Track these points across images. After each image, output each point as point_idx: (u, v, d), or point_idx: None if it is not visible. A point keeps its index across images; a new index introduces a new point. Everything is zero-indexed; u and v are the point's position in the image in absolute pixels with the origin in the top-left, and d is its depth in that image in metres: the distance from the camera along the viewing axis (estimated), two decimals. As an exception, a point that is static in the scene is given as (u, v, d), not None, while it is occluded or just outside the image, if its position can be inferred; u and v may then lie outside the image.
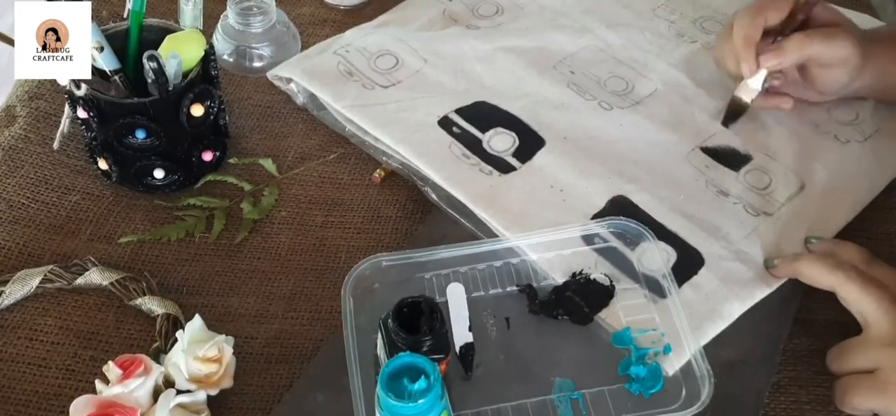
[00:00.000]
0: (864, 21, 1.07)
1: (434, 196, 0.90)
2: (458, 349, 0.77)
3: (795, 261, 0.80)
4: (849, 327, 0.76)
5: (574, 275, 0.82)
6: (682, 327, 0.76)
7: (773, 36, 0.94)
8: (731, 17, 0.96)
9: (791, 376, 0.78)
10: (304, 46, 1.10)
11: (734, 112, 0.96)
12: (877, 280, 0.75)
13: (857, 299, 0.75)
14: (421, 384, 0.63)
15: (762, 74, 0.93)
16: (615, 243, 0.84)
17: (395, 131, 0.95)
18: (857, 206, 0.90)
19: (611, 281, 0.81)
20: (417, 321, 0.72)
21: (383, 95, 1.00)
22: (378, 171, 0.95)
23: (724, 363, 0.76)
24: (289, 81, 1.03)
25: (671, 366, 0.76)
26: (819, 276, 0.78)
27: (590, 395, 0.74)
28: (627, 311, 0.80)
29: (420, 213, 0.92)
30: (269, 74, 1.05)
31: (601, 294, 0.81)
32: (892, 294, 0.74)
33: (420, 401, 0.62)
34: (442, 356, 0.71)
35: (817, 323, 0.82)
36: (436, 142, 0.94)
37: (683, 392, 0.74)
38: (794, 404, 0.77)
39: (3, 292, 0.81)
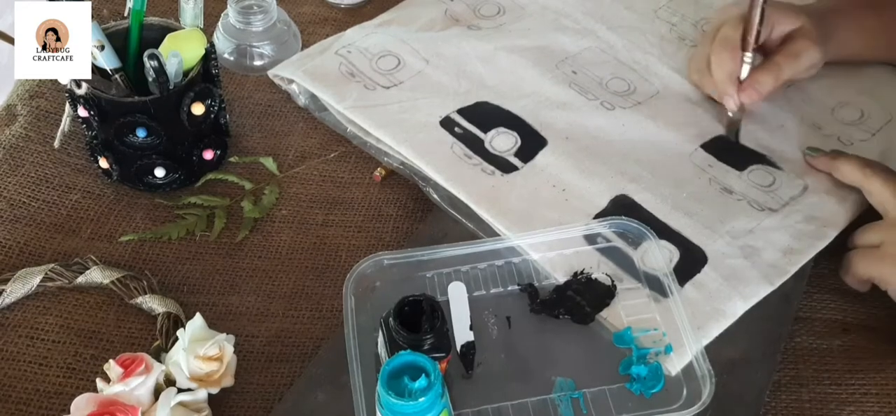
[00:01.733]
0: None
1: (436, 196, 0.90)
2: (458, 348, 0.77)
3: (833, 158, 0.90)
4: (849, 325, 0.76)
5: (575, 274, 0.82)
6: (684, 327, 0.76)
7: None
8: (702, 45, 1.00)
9: (792, 374, 0.79)
10: (305, 45, 1.10)
11: (735, 130, 0.97)
12: None
13: (880, 190, 0.84)
14: (421, 382, 0.63)
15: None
16: (617, 242, 0.85)
17: (397, 132, 0.95)
18: (862, 203, 0.90)
19: (612, 281, 0.82)
20: (418, 320, 0.72)
21: (385, 96, 1.01)
22: (379, 169, 0.95)
23: (725, 362, 0.77)
24: (291, 81, 1.03)
25: (672, 366, 0.76)
26: (851, 172, 0.88)
27: (590, 394, 0.74)
28: (629, 310, 0.80)
29: (421, 212, 0.92)
30: (270, 73, 1.05)
31: (602, 294, 0.81)
32: None
33: (420, 399, 0.63)
34: (443, 354, 0.71)
35: (818, 322, 0.83)
36: (438, 142, 0.95)
37: (684, 392, 0.74)
38: (794, 402, 0.77)
39: (4, 290, 0.82)
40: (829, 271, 0.85)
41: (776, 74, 0.94)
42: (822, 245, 0.86)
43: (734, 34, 0.94)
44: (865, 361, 0.79)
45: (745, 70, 0.94)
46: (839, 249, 0.85)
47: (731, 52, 0.94)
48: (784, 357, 0.80)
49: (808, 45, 0.94)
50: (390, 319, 0.71)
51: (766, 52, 0.97)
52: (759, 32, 0.93)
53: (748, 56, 0.94)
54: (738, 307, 0.81)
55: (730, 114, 0.96)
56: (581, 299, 0.81)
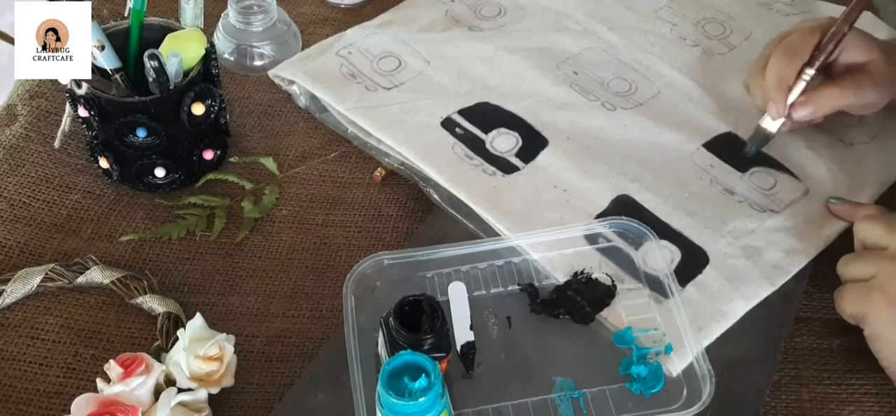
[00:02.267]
0: (864, 20, 1.07)
1: (436, 197, 0.91)
2: (459, 348, 0.77)
3: (855, 207, 0.88)
4: (849, 326, 0.77)
5: (576, 274, 0.83)
6: (684, 328, 0.77)
7: (802, 67, 0.91)
8: (766, 48, 0.95)
9: (792, 374, 0.79)
10: (305, 45, 1.11)
11: (759, 141, 0.94)
12: None
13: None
14: (422, 382, 0.63)
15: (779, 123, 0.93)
16: (618, 242, 0.85)
17: (398, 133, 0.96)
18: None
19: (612, 280, 0.82)
20: (418, 320, 0.72)
21: (386, 97, 1.01)
22: (379, 169, 0.95)
23: (725, 362, 0.77)
24: (291, 82, 1.04)
25: (673, 366, 0.76)
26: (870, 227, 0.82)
27: (591, 394, 0.74)
28: (629, 310, 0.80)
29: (421, 212, 0.92)
30: (271, 74, 1.06)
31: (603, 294, 0.81)
32: None
33: (421, 399, 0.63)
34: (443, 354, 0.72)
35: (818, 322, 0.83)
36: (439, 143, 0.95)
37: (685, 392, 0.74)
38: (795, 402, 0.77)
39: (4, 290, 0.82)
40: (830, 271, 0.84)
41: (837, 100, 0.90)
42: (823, 245, 0.86)
43: (801, 43, 0.91)
44: (865, 361, 0.78)
45: (799, 87, 0.90)
46: (840, 249, 0.85)
47: (790, 59, 0.91)
48: (784, 357, 0.80)
49: (874, 82, 0.90)
50: (390, 318, 0.71)
51: (826, 74, 0.93)
52: (831, 51, 0.90)
53: (809, 72, 0.90)
54: (739, 308, 0.81)
55: (766, 124, 0.93)
56: (581, 299, 0.81)
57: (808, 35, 0.91)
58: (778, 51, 0.92)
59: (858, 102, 0.91)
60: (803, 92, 0.91)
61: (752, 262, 0.84)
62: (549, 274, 0.83)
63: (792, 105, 0.90)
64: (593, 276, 0.82)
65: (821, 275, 0.85)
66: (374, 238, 0.90)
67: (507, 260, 0.84)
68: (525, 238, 0.85)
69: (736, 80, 1.03)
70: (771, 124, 0.93)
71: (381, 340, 0.74)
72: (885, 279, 0.76)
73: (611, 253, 0.84)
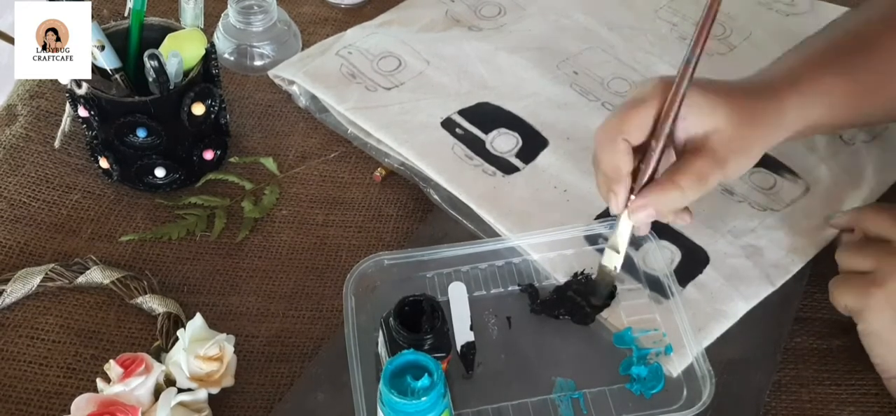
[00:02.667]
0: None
1: (436, 197, 0.91)
2: (459, 348, 0.77)
3: (855, 211, 0.82)
4: (849, 326, 0.77)
5: (576, 275, 0.83)
6: (684, 328, 0.77)
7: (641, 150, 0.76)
8: (601, 135, 0.77)
9: (792, 374, 0.79)
10: (305, 45, 1.11)
11: (607, 287, 0.81)
12: None
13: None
14: (424, 381, 0.63)
15: (628, 225, 0.77)
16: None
17: (398, 133, 0.96)
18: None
19: (614, 284, 0.82)
20: (419, 320, 0.72)
21: (386, 97, 1.01)
22: (379, 169, 0.95)
23: (725, 362, 0.77)
24: (291, 82, 1.04)
25: (673, 367, 0.76)
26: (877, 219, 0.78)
27: (591, 395, 0.75)
28: (629, 311, 0.80)
29: (421, 212, 0.92)
30: (271, 74, 1.06)
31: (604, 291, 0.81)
32: None
33: (423, 399, 0.63)
34: (443, 354, 0.72)
35: (818, 322, 0.83)
36: (439, 143, 0.95)
37: (685, 393, 0.74)
38: (795, 402, 0.77)
39: (4, 290, 0.82)
40: (830, 271, 0.84)
41: (679, 197, 0.74)
42: (824, 244, 0.87)
43: (625, 119, 0.74)
44: (865, 361, 0.78)
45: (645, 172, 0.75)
46: (834, 248, 0.85)
47: (618, 144, 0.74)
48: (784, 357, 0.80)
49: (718, 161, 0.74)
50: (390, 318, 0.72)
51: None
52: (672, 126, 0.74)
53: (656, 151, 0.74)
54: (739, 308, 0.81)
55: (607, 259, 0.79)
56: (581, 299, 0.81)
57: (633, 108, 0.75)
58: (603, 138, 0.75)
59: (707, 191, 0.75)
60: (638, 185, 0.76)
61: (752, 261, 0.84)
62: (549, 275, 0.84)
63: (629, 206, 0.76)
64: (593, 277, 0.82)
65: (821, 275, 0.84)
66: (374, 238, 0.90)
67: (507, 260, 0.84)
68: (525, 239, 0.85)
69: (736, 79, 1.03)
70: (612, 260, 0.79)
71: (381, 340, 0.74)
72: (886, 275, 0.73)
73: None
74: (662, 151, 0.74)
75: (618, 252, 0.78)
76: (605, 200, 0.77)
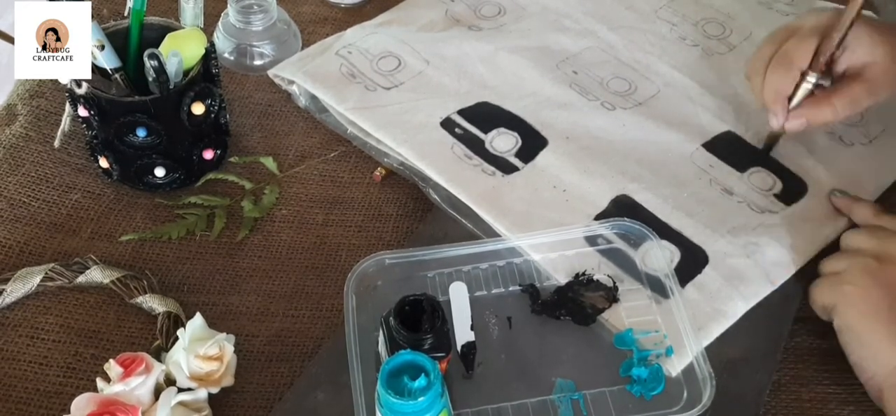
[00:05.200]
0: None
1: (436, 196, 0.91)
2: (459, 348, 0.77)
3: (853, 200, 0.89)
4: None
5: (577, 276, 0.83)
6: (685, 329, 0.77)
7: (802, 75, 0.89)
8: (766, 43, 0.92)
9: (792, 374, 0.79)
10: (305, 45, 1.11)
11: (772, 142, 0.95)
12: None
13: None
14: (421, 381, 0.64)
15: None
16: (618, 243, 0.85)
17: (398, 133, 0.96)
18: None
19: (614, 283, 0.82)
20: (419, 319, 0.72)
21: (386, 97, 1.01)
22: (379, 169, 0.96)
23: (725, 361, 0.77)
24: (291, 82, 1.04)
25: (673, 368, 0.76)
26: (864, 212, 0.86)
27: (591, 396, 0.75)
28: (630, 312, 0.81)
29: (421, 211, 0.93)
30: (271, 73, 1.06)
31: (604, 293, 0.82)
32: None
33: (420, 399, 0.63)
34: (443, 354, 0.72)
35: (818, 322, 0.82)
36: (438, 143, 0.95)
37: (685, 394, 0.74)
38: (795, 402, 0.78)
39: (4, 290, 0.82)
40: (830, 270, 0.86)
41: (830, 116, 0.88)
42: (823, 244, 0.87)
43: (797, 52, 0.88)
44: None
45: (802, 90, 0.88)
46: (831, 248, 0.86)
47: (787, 70, 0.88)
48: (784, 357, 0.80)
49: (871, 90, 0.87)
50: (391, 318, 0.72)
51: (828, 73, 0.89)
52: (829, 59, 0.87)
53: (812, 77, 0.88)
54: (739, 307, 0.81)
55: (772, 128, 0.92)
56: (583, 300, 0.81)
57: (806, 40, 0.88)
58: (775, 61, 0.90)
59: (854, 113, 0.90)
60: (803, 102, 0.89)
61: (753, 261, 0.85)
62: (550, 275, 0.84)
63: (794, 116, 0.89)
64: (594, 277, 0.83)
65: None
66: (374, 238, 0.90)
67: (508, 261, 0.85)
68: (526, 239, 0.85)
69: (736, 79, 1.03)
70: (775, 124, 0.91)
71: (381, 339, 0.74)
72: (855, 273, 0.78)
73: (611, 254, 0.85)
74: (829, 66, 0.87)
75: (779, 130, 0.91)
76: (760, 107, 0.91)
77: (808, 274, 0.85)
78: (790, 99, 0.89)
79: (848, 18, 0.85)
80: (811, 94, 0.88)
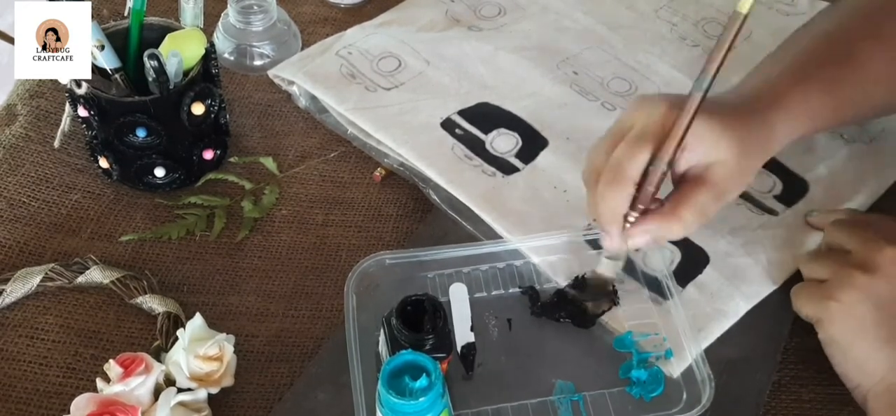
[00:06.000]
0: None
1: (436, 197, 0.91)
2: (459, 349, 0.78)
3: (829, 214, 0.85)
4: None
5: (577, 278, 0.83)
6: (684, 331, 0.77)
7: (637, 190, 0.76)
8: (598, 144, 0.78)
9: (792, 374, 0.80)
10: (305, 45, 1.11)
11: (603, 293, 0.82)
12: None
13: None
14: (422, 381, 0.63)
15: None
16: None
17: (398, 134, 0.96)
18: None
19: (613, 286, 0.82)
20: (420, 320, 0.73)
21: (386, 98, 1.01)
22: (379, 169, 0.96)
23: (725, 362, 0.78)
24: (291, 82, 1.04)
25: (672, 370, 0.77)
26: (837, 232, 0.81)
27: (590, 397, 0.75)
28: (630, 314, 0.81)
29: (421, 212, 0.93)
30: (271, 74, 1.06)
31: (603, 298, 0.82)
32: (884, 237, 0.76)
33: (421, 399, 0.63)
34: (444, 355, 0.72)
35: (818, 322, 0.84)
36: (438, 144, 0.96)
37: (684, 396, 0.75)
38: (794, 402, 0.78)
39: (3, 290, 0.82)
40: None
41: (681, 230, 0.76)
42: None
43: (630, 162, 0.74)
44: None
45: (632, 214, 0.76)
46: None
47: (619, 187, 0.74)
48: (784, 357, 0.81)
49: (718, 194, 0.75)
50: (392, 318, 0.72)
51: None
52: (665, 169, 0.74)
53: (653, 183, 0.75)
54: (740, 307, 0.82)
55: (603, 267, 0.82)
56: (581, 303, 0.81)
57: (638, 147, 0.74)
58: (604, 174, 0.75)
59: (704, 222, 0.76)
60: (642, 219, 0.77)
61: (753, 259, 0.85)
62: (550, 277, 0.84)
63: (627, 232, 0.76)
64: (588, 277, 0.83)
65: (821, 275, 0.86)
66: (374, 238, 0.91)
67: (508, 263, 0.85)
68: (527, 241, 0.86)
69: (736, 79, 1.03)
70: (609, 269, 0.81)
71: (382, 339, 0.74)
72: (838, 286, 0.75)
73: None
74: (661, 180, 0.75)
75: (617, 260, 0.81)
76: (599, 224, 0.77)
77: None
78: (625, 217, 0.76)
79: (685, 119, 0.72)
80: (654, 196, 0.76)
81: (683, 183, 0.76)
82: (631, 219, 0.75)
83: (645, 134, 0.74)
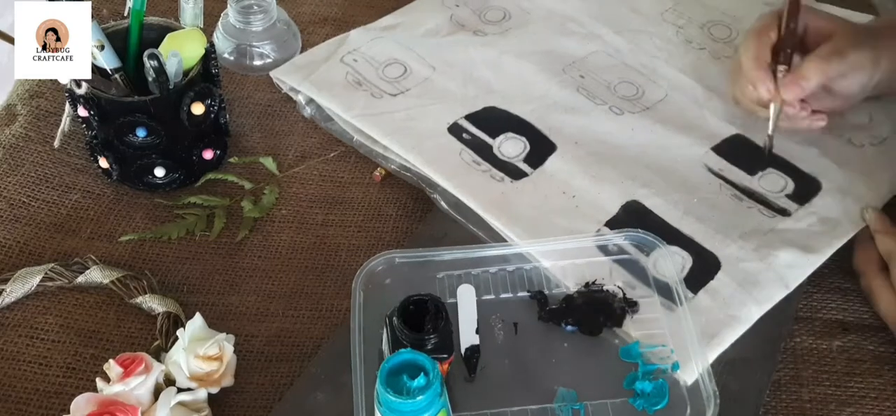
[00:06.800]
0: (864, 20, 1.07)
1: (443, 203, 0.92)
2: (463, 351, 0.78)
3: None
4: (849, 325, 0.78)
5: (587, 284, 0.84)
6: (692, 345, 0.77)
7: (775, 59, 0.94)
8: (737, 52, 0.98)
9: (792, 374, 0.80)
10: (305, 45, 1.12)
11: (771, 141, 0.95)
12: None
13: None
14: (420, 380, 0.64)
15: (776, 106, 0.93)
16: (630, 252, 0.86)
17: (405, 140, 0.97)
18: (881, 201, 0.92)
19: (624, 294, 0.83)
20: (423, 319, 0.74)
21: (392, 104, 1.02)
22: (379, 169, 0.97)
23: (725, 362, 0.78)
24: (297, 92, 1.05)
25: (678, 384, 0.77)
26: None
27: (592, 407, 0.75)
28: (639, 324, 0.81)
29: (421, 212, 0.94)
30: (275, 79, 1.07)
31: (613, 309, 0.82)
32: None
33: (418, 398, 0.64)
34: (445, 355, 0.73)
35: (818, 322, 0.84)
36: (446, 149, 0.97)
37: (688, 411, 0.75)
38: (794, 402, 0.79)
39: (3, 290, 0.84)
40: (829, 271, 0.87)
41: (821, 67, 0.91)
42: (838, 244, 0.88)
43: (761, 24, 0.95)
44: (865, 363, 0.80)
45: (780, 74, 0.92)
46: (841, 248, 0.87)
47: (758, 38, 0.94)
48: (784, 357, 0.81)
49: (853, 43, 0.91)
50: (394, 317, 0.73)
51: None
52: (794, 25, 0.93)
53: (780, 70, 0.92)
54: (752, 312, 0.82)
55: (770, 111, 0.93)
56: (590, 310, 0.82)
57: (764, 22, 0.95)
58: (742, 44, 0.96)
59: (844, 66, 0.91)
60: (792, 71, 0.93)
61: (766, 264, 0.85)
62: (559, 282, 0.85)
63: (782, 86, 0.91)
64: (605, 288, 0.83)
65: (821, 275, 0.86)
66: (374, 238, 0.91)
67: (517, 266, 0.85)
68: (537, 246, 0.86)
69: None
70: (775, 114, 0.93)
71: (385, 338, 0.75)
72: None
73: (623, 263, 0.85)
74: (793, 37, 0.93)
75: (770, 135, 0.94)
76: (753, 97, 0.94)
77: (820, 277, 0.86)
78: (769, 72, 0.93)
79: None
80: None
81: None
82: (780, 73, 0.92)
83: (768, 15, 0.96)
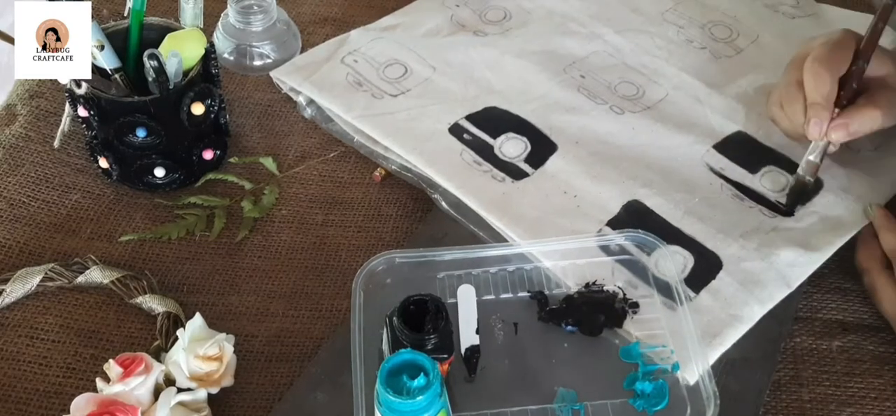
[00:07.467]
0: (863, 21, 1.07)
1: (444, 204, 0.93)
2: (463, 351, 0.79)
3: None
4: (849, 325, 0.79)
5: (588, 284, 0.84)
6: (693, 345, 0.77)
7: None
8: (785, 75, 0.94)
9: (791, 374, 0.81)
10: (305, 45, 1.13)
11: (799, 193, 0.92)
12: None
13: None
14: (420, 380, 0.64)
15: (823, 144, 0.90)
16: (632, 252, 0.86)
17: (406, 140, 0.98)
18: (882, 199, 0.92)
19: (624, 294, 0.83)
20: (423, 319, 0.74)
21: (393, 104, 1.03)
22: (378, 169, 0.97)
23: (725, 362, 0.79)
24: (298, 93, 1.05)
25: (678, 385, 0.77)
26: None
27: (592, 407, 0.76)
28: (639, 324, 0.82)
29: (421, 212, 0.95)
30: (275, 79, 1.08)
31: (614, 310, 0.82)
32: None
33: (418, 398, 0.64)
34: (445, 355, 0.74)
35: (818, 322, 0.85)
36: (447, 150, 0.97)
37: (688, 411, 0.75)
38: (794, 402, 0.79)
39: (3, 290, 0.84)
40: (829, 271, 0.87)
41: (877, 120, 0.89)
42: (840, 242, 0.88)
43: (834, 56, 0.89)
44: (865, 363, 0.81)
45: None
46: (842, 248, 0.87)
47: (829, 71, 0.89)
48: (784, 357, 0.82)
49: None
50: (394, 316, 0.73)
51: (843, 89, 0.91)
52: (865, 64, 0.90)
53: (854, 78, 0.90)
54: (755, 312, 0.82)
55: (802, 168, 0.91)
56: (590, 311, 0.82)
57: (840, 47, 0.90)
58: (811, 66, 0.89)
59: (892, 123, 0.90)
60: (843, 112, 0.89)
61: (767, 263, 0.86)
62: (560, 282, 0.85)
63: (831, 127, 0.88)
64: (606, 289, 0.84)
65: (820, 275, 0.87)
66: (374, 238, 0.92)
67: (518, 266, 0.86)
68: (538, 246, 0.87)
69: (744, 80, 1.05)
70: (809, 171, 0.91)
71: (385, 338, 0.76)
72: None
73: (624, 263, 0.86)
74: (860, 78, 0.90)
75: (812, 171, 0.91)
76: (792, 133, 0.93)
77: (820, 277, 0.87)
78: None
79: (881, 24, 0.90)
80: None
81: (868, 90, 0.91)
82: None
83: (843, 39, 0.91)
